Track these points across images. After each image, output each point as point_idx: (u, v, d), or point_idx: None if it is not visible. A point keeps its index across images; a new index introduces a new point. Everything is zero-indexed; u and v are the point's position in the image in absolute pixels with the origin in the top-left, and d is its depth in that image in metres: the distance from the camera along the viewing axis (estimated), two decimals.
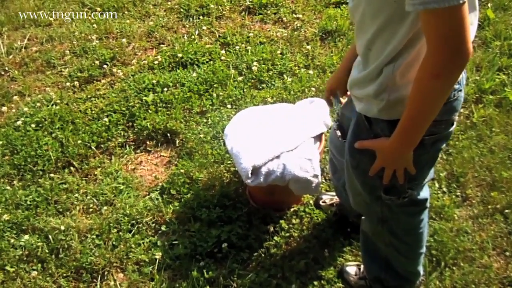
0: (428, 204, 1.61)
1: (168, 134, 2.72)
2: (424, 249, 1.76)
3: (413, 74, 1.17)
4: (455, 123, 1.37)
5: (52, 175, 2.54)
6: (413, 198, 1.51)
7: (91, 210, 2.38)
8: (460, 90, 1.31)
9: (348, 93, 1.64)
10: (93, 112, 2.88)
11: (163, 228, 2.27)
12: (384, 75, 1.25)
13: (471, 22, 1.23)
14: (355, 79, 1.38)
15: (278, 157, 2.04)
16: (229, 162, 2.50)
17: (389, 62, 1.24)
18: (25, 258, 2.18)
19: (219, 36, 3.41)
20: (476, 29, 1.30)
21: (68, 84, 3.13)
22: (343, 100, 1.75)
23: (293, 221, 2.24)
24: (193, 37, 3.41)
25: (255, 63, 3.08)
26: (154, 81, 2.99)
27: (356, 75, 1.37)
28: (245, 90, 2.93)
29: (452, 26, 1.04)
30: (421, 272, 1.85)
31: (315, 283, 2.02)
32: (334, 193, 2.28)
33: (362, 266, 2.00)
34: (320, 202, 2.30)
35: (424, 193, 1.56)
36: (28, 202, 2.40)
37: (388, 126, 1.31)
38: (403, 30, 1.17)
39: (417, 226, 1.65)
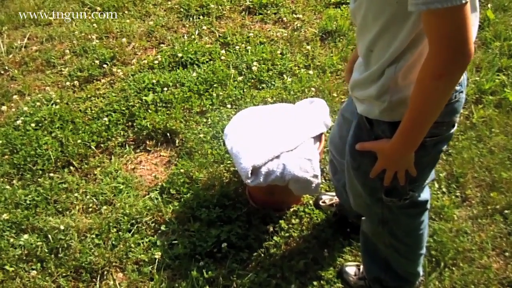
0: (428, 206, 1.61)
1: (168, 134, 2.73)
2: (424, 250, 1.76)
3: (415, 75, 1.17)
4: (456, 124, 1.37)
5: (51, 174, 2.54)
6: (414, 200, 1.51)
7: (90, 209, 2.38)
8: (461, 92, 1.31)
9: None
10: (93, 111, 2.88)
11: (162, 227, 2.27)
12: (386, 76, 1.25)
13: (473, 23, 1.23)
14: (357, 80, 1.38)
15: (278, 157, 2.04)
16: (228, 162, 2.50)
17: (391, 63, 1.23)
18: (24, 258, 2.18)
19: (219, 36, 3.41)
20: (477, 30, 1.29)
21: (68, 83, 3.13)
22: None
23: (293, 221, 2.24)
24: (193, 37, 3.41)
25: (255, 63, 3.08)
26: (154, 81, 2.99)
27: (358, 76, 1.37)
28: (245, 90, 2.93)
29: (455, 27, 1.04)
30: (421, 273, 1.85)
31: (315, 283, 2.02)
32: (334, 193, 2.28)
33: (361, 267, 2.00)
34: (320, 202, 2.30)
35: (425, 194, 1.55)
36: (28, 202, 2.40)
37: (390, 127, 1.31)
38: (405, 31, 1.17)
39: (418, 227, 1.65)
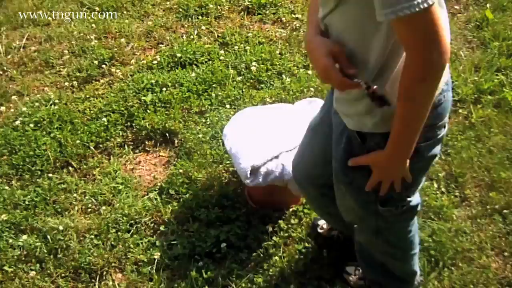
0: (420, 208, 1.60)
1: (167, 134, 2.72)
2: (417, 249, 1.75)
3: None
4: (447, 125, 1.36)
5: (50, 175, 2.54)
6: (409, 205, 1.50)
7: (89, 210, 2.38)
8: (449, 91, 1.31)
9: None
10: (92, 112, 2.87)
11: (161, 228, 2.27)
12: None
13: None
14: (342, 98, 1.35)
15: (277, 157, 2.04)
16: (228, 162, 2.50)
17: (377, 77, 1.22)
18: (23, 258, 2.18)
19: (218, 36, 3.41)
20: (448, 26, 1.29)
21: (66, 84, 3.13)
22: None
23: (292, 221, 2.24)
24: (192, 37, 3.41)
25: (254, 63, 3.08)
26: (153, 81, 2.99)
27: (343, 94, 1.34)
28: (244, 90, 2.93)
29: (427, 29, 1.04)
30: (418, 271, 1.84)
31: (314, 283, 2.02)
32: None
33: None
34: (318, 230, 2.16)
35: (417, 198, 1.55)
36: (27, 202, 2.40)
37: (384, 138, 1.28)
38: (379, 43, 1.17)
39: (410, 231, 1.64)
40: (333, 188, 1.65)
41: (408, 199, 1.46)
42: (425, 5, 1.00)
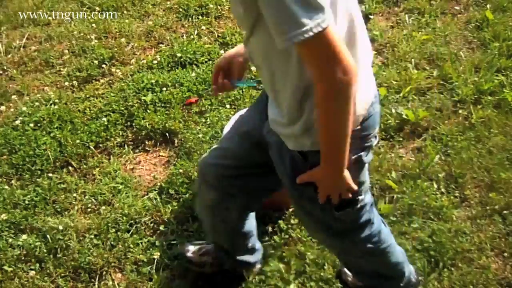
0: (372, 199, 1.60)
1: (167, 134, 2.72)
2: (391, 241, 1.72)
3: None
4: (377, 135, 1.42)
5: (50, 174, 2.54)
6: (363, 203, 1.51)
7: (89, 210, 2.38)
8: (376, 103, 1.36)
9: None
10: (92, 111, 2.88)
11: (161, 228, 2.27)
12: (306, 112, 1.26)
13: (354, 43, 1.24)
14: (276, 120, 1.37)
15: None
16: None
17: (305, 97, 1.24)
18: (23, 258, 2.18)
19: (218, 36, 3.41)
20: (361, 44, 1.29)
21: (66, 83, 3.13)
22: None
23: (292, 221, 2.24)
24: (192, 36, 3.41)
25: None
26: (153, 81, 2.99)
27: (276, 116, 1.36)
28: (244, 90, 2.93)
29: (326, 50, 1.06)
30: (402, 260, 1.80)
31: (313, 284, 2.02)
32: (202, 241, 2.07)
33: None
34: (188, 255, 2.01)
35: (369, 195, 1.55)
36: (26, 202, 2.40)
37: None
38: (295, 67, 1.19)
39: (373, 223, 1.62)
40: (244, 191, 1.68)
41: (360, 197, 1.47)
42: (319, 29, 1.01)
